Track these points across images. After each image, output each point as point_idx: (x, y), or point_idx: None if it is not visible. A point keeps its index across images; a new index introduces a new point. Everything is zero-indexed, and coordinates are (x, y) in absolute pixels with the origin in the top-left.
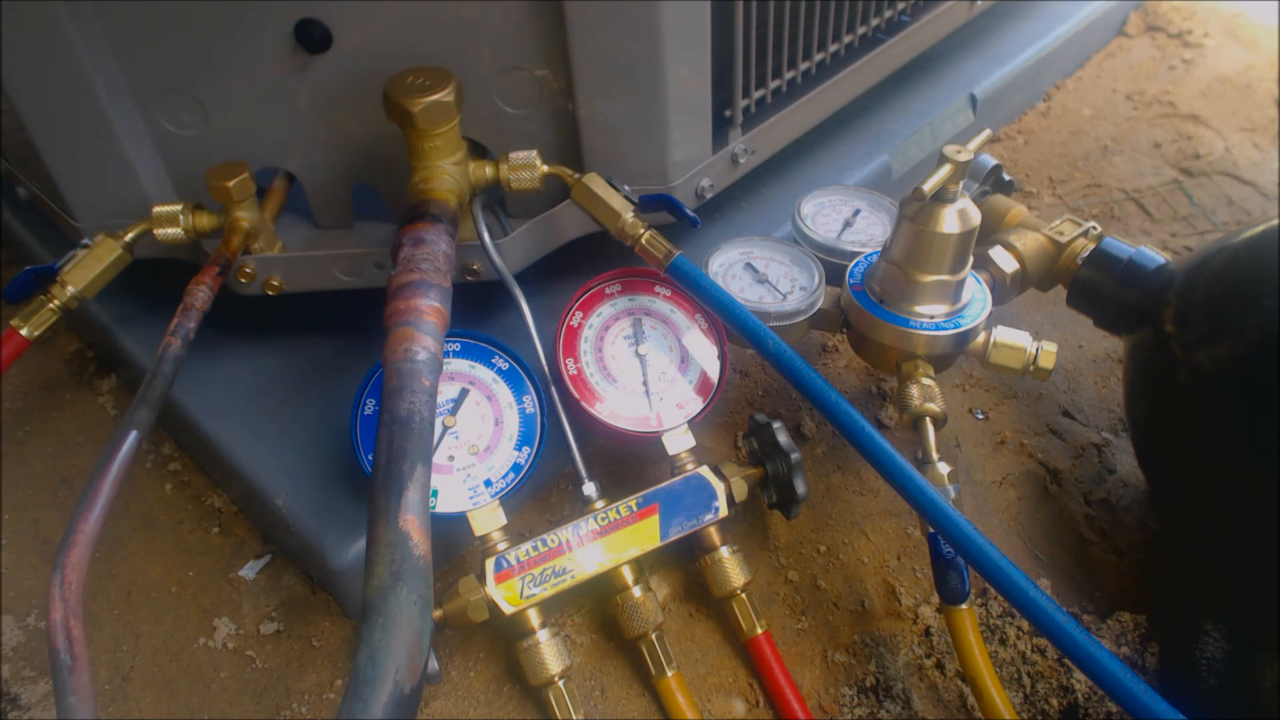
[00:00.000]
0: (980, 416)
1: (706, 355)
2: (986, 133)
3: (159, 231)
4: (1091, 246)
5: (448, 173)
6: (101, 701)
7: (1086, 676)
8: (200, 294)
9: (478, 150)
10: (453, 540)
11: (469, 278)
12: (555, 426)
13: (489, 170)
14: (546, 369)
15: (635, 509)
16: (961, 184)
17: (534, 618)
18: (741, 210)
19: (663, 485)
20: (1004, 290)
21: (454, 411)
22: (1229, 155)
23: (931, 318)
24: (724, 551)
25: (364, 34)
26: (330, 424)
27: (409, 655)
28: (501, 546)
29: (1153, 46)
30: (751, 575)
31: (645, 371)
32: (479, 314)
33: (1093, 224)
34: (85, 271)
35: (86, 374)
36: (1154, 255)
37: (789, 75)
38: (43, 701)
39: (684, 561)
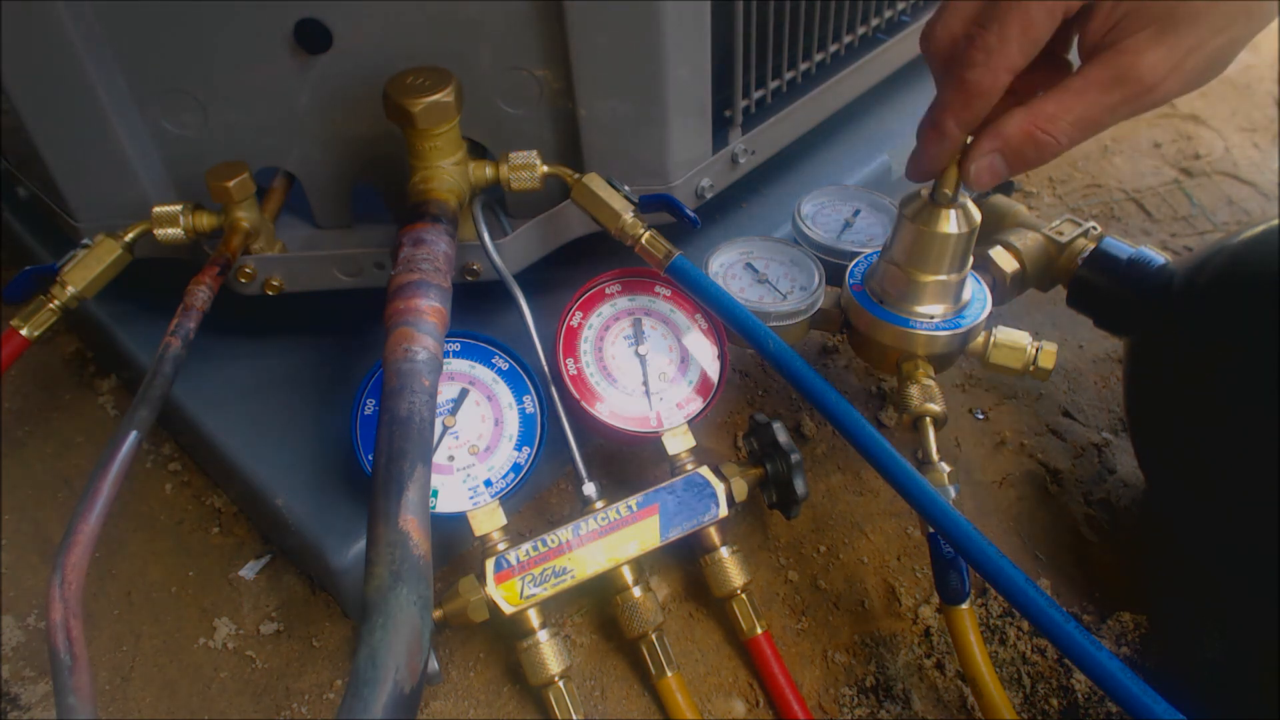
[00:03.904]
0: (980, 416)
1: (706, 355)
2: None
3: (159, 231)
4: (1091, 246)
5: (448, 173)
6: (101, 701)
7: (1086, 676)
8: (200, 294)
9: (478, 150)
10: (453, 540)
11: (469, 278)
12: (555, 426)
13: (489, 170)
14: (546, 369)
15: (635, 509)
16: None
17: (534, 618)
18: (741, 210)
19: (663, 485)
20: (1004, 290)
21: (454, 411)
22: (1229, 155)
23: (931, 318)
24: (724, 551)
25: (364, 34)
26: (330, 424)
27: (409, 655)
28: (501, 546)
29: None
30: (751, 575)
31: (645, 371)
32: (479, 314)
33: (1093, 224)
34: (85, 271)
35: (86, 374)
36: (1154, 255)
37: (789, 75)
38: (43, 701)
39: (684, 561)
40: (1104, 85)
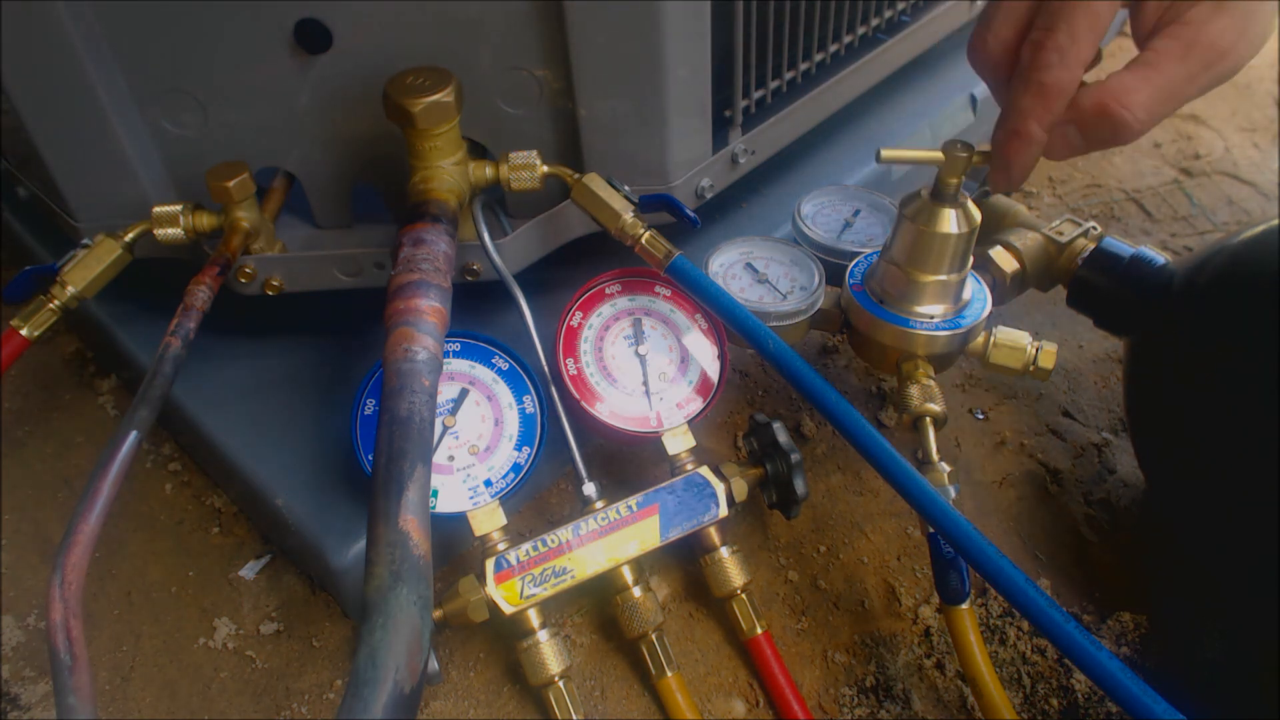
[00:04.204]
0: (980, 416)
1: (706, 355)
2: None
3: (159, 231)
4: (1091, 246)
5: (448, 173)
6: (101, 701)
7: (1086, 676)
8: (200, 294)
9: (478, 150)
10: (453, 540)
11: (469, 278)
12: (555, 426)
13: (489, 170)
14: (546, 369)
15: (635, 509)
16: (962, 183)
17: (534, 618)
18: (741, 210)
19: (663, 485)
20: (1004, 290)
21: (454, 411)
22: (1229, 155)
23: (931, 318)
24: (724, 551)
25: (364, 34)
26: (330, 424)
27: (409, 655)
28: (501, 546)
29: None
30: (751, 575)
31: (645, 371)
32: (479, 314)
33: (1093, 224)
34: (85, 271)
35: (86, 374)
36: (1154, 255)
37: (789, 75)
38: (43, 701)
39: (684, 561)
40: (1177, 55)
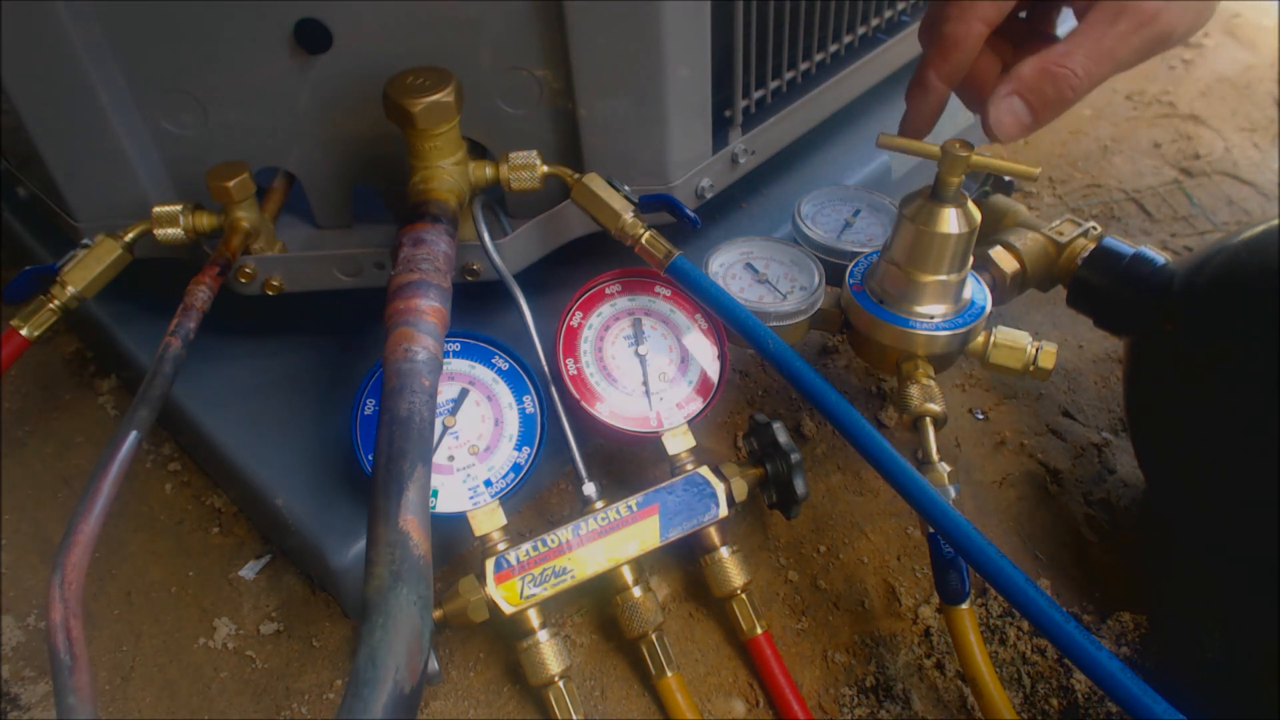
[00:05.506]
0: (980, 416)
1: (706, 355)
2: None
3: (159, 231)
4: (1091, 246)
5: (448, 173)
6: (101, 701)
7: (1086, 676)
8: (200, 294)
9: (478, 150)
10: (453, 540)
11: (469, 278)
12: (555, 426)
13: (489, 170)
14: (546, 369)
15: (635, 509)
16: (961, 183)
17: (534, 618)
18: (741, 210)
19: (662, 485)
20: (1004, 290)
21: (454, 411)
22: (1229, 155)
23: (931, 318)
24: (724, 551)
25: (364, 34)
26: (330, 424)
27: (409, 655)
28: (501, 546)
29: None
30: (751, 575)
31: (645, 372)
32: (479, 314)
33: (1093, 224)
34: (85, 271)
35: (86, 374)
36: (1154, 255)
37: (789, 75)
38: (43, 701)
39: (684, 561)
40: (1108, 20)
